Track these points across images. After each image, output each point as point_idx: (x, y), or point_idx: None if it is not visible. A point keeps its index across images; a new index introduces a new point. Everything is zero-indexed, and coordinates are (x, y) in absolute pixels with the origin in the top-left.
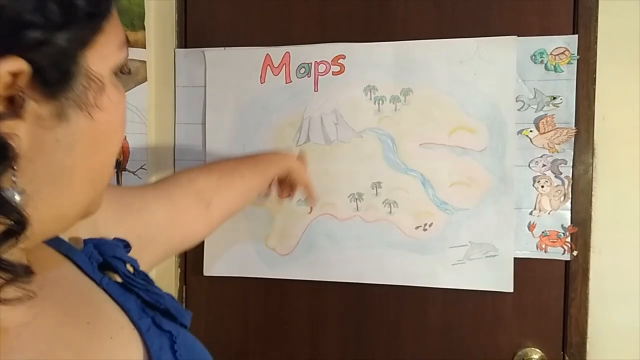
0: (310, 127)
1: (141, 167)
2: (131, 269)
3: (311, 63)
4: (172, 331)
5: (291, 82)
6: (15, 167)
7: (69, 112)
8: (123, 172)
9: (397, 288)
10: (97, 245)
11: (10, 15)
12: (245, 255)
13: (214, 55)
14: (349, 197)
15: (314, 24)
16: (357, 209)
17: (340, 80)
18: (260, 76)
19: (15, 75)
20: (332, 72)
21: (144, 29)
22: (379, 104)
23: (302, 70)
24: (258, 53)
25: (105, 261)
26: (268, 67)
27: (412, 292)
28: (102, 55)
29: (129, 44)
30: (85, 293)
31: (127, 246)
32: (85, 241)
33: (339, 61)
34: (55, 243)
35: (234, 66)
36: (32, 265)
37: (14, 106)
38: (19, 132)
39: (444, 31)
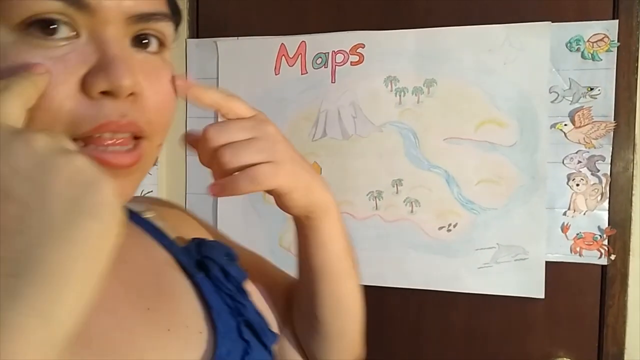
0: (327, 120)
1: None
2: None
3: (328, 53)
4: (251, 342)
5: (307, 73)
6: None
7: None
8: None
9: (418, 292)
10: (198, 244)
11: None
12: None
13: (227, 45)
14: (367, 195)
15: (331, 11)
16: (377, 208)
17: (359, 71)
18: (275, 67)
19: None
20: (351, 62)
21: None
22: (400, 95)
23: (319, 61)
24: (272, 43)
25: (200, 260)
26: (283, 57)
27: (435, 296)
28: None
29: None
30: (163, 282)
31: (230, 255)
32: (192, 239)
33: (357, 50)
34: (158, 236)
35: (247, 57)
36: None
37: None
38: None
39: (471, 17)
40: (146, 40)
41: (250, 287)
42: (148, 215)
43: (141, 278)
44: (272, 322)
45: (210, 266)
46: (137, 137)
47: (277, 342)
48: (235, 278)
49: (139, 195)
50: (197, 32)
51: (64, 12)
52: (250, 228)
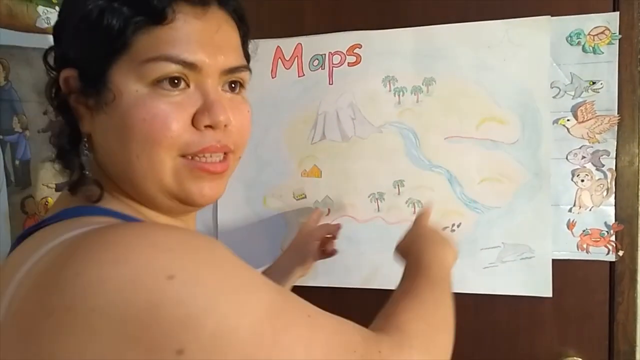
0: (325, 123)
1: None
2: None
3: (325, 54)
4: None
5: (304, 75)
6: (85, 141)
7: (100, 108)
8: None
9: None
10: None
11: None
12: (261, 260)
13: None
14: (369, 197)
15: (327, 12)
16: (378, 210)
17: (357, 72)
18: (271, 70)
19: (75, 78)
20: (348, 63)
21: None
22: (399, 95)
23: (316, 62)
24: (268, 45)
25: None
26: (279, 60)
27: None
28: (124, 70)
29: (178, 58)
30: None
31: None
32: None
33: (354, 51)
34: None
35: None
36: None
37: (82, 99)
38: (86, 117)
39: (469, 13)
40: (233, 85)
41: None
42: None
43: None
44: None
45: None
46: (225, 154)
47: None
48: None
49: None
50: None
51: (181, 72)
52: (252, 233)
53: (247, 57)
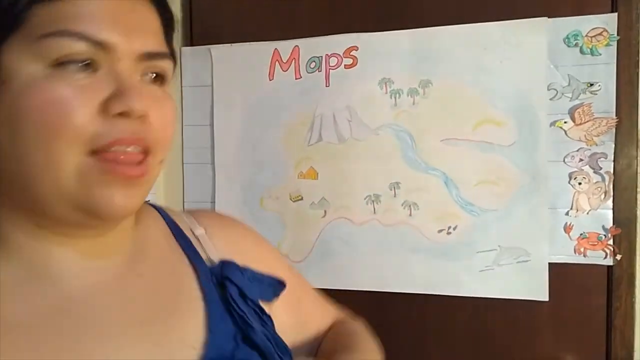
0: (322, 125)
1: None
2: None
3: (322, 56)
4: None
5: (301, 77)
6: None
7: None
8: None
9: (419, 297)
10: (222, 265)
11: None
12: None
13: (220, 52)
14: (365, 199)
15: (324, 14)
16: (374, 212)
17: (353, 74)
18: (269, 73)
19: None
20: (344, 65)
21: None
22: (395, 97)
23: (313, 65)
24: (266, 48)
25: (222, 279)
26: (277, 62)
27: (437, 300)
28: (17, 46)
29: (82, 34)
30: (175, 299)
31: (255, 277)
32: (220, 261)
33: (351, 53)
34: (192, 254)
35: (241, 63)
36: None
37: None
38: None
39: (466, 15)
40: (152, 75)
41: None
42: (197, 232)
43: (151, 293)
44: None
45: (228, 287)
46: (143, 154)
47: None
48: (253, 301)
49: (199, 209)
50: (191, 39)
51: (87, 51)
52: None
53: (172, 53)
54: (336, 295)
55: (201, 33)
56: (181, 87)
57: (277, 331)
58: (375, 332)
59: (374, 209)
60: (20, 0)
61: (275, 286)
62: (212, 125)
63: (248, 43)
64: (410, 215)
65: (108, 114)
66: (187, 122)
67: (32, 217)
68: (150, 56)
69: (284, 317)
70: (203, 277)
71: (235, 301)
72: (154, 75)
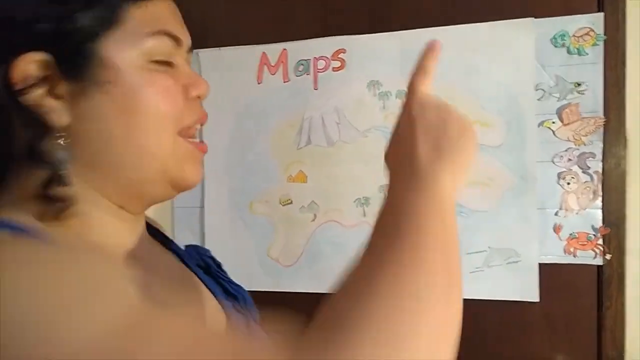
0: (311, 128)
1: None
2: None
3: (310, 59)
4: (247, 315)
5: (289, 80)
6: (61, 135)
7: (91, 90)
8: None
9: None
10: (193, 248)
11: (21, 14)
12: (247, 267)
13: (208, 56)
14: (354, 202)
15: (312, 16)
16: (364, 215)
17: (342, 77)
18: (257, 76)
19: (42, 63)
20: (333, 67)
21: None
22: (384, 100)
23: (301, 68)
24: (254, 52)
25: (202, 259)
26: (265, 66)
27: None
28: (119, 44)
29: (172, 34)
30: (186, 277)
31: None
32: (186, 246)
33: (339, 56)
34: (170, 245)
35: (229, 67)
36: (144, 253)
37: (50, 88)
38: (59, 108)
39: (453, 17)
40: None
41: None
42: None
43: (174, 267)
44: None
45: (209, 263)
46: None
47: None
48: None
49: None
50: None
51: (172, 47)
52: (238, 239)
53: None
54: (325, 300)
55: (190, 36)
56: None
57: None
58: None
59: (364, 211)
60: (119, 0)
61: None
62: (201, 129)
63: (236, 47)
64: None
65: (190, 97)
66: None
67: (118, 199)
68: (191, 49)
69: None
70: (187, 260)
71: (218, 272)
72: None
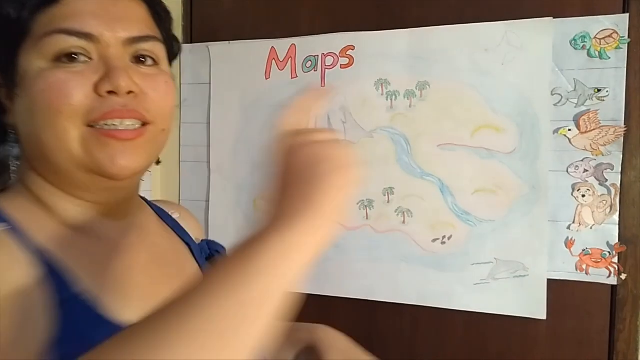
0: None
1: None
2: None
3: (318, 55)
4: None
5: (297, 77)
6: (12, 131)
7: (17, 95)
8: None
9: (411, 308)
10: (207, 242)
11: None
12: None
13: (219, 50)
14: (358, 203)
15: (322, 12)
16: (367, 218)
17: (349, 74)
18: (266, 71)
19: None
20: (341, 64)
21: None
22: (391, 99)
23: (309, 64)
24: (263, 46)
25: (210, 254)
26: (273, 61)
27: (428, 313)
28: (29, 51)
29: (71, 30)
30: (180, 263)
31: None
32: (202, 240)
33: (347, 52)
34: (181, 232)
35: (238, 61)
36: (110, 233)
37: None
38: (8, 109)
39: (466, 15)
40: (142, 59)
41: None
42: (175, 216)
43: (166, 256)
44: None
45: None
46: (142, 126)
47: None
48: None
49: (170, 201)
50: (191, 37)
51: (78, 45)
52: (241, 235)
53: (172, 38)
54: (326, 302)
55: (200, 30)
56: (180, 84)
57: None
58: (364, 342)
59: (367, 214)
60: (24, 12)
61: None
62: (208, 123)
63: (246, 41)
64: (403, 222)
65: (100, 92)
66: (185, 119)
67: (60, 185)
68: (136, 40)
69: None
70: (195, 252)
71: None
72: (146, 58)
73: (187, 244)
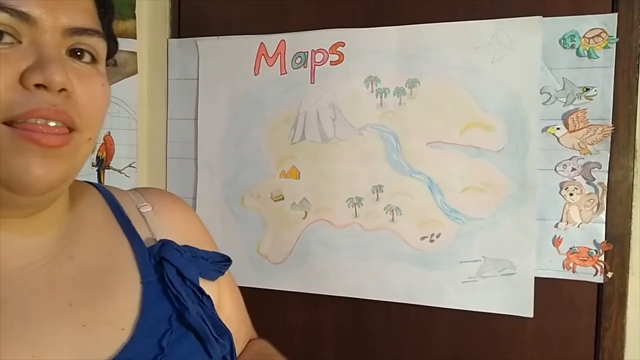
0: (305, 123)
1: (130, 165)
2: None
3: (307, 52)
4: (176, 348)
5: (286, 73)
6: None
7: None
8: (106, 170)
9: (399, 305)
10: (161, 245)
11: None
12: (236, 262)
13: (207, 45)
14: (347, 201)
15: (312, 8)
16: (356, 215)
17: (339, 71)
18: (254, 67)
19: None
20: (330, 61)
21: (134, 17)
22: (381, 97)
23: (298, 60)
24: (252, 42)
25: (160, 260)
26: (262, 56)
27: (417, 311)
28: None
29: (4, 4)
30: (106, 280)
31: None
32: (159, 240)
33: (337, 49)
34: (131, 233)
35: (227, 57)
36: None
37: None
38: None
39: (457, 12)
40: (79, 53)
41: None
42: (144, 209)
43: (81, 274)
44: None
45: (165, 267)
46: (68, 130)
47: (225, 352)
48: (191, 281)
49: (149, 187)
50: (178, 31)
51: (8, 23)
52: (228, 234)
53: (112, 36)
54: (315, 299)
55: (188, 25)
56: (167, 79)
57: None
58: (351, 340)
59: (356, 212)
60: None
61: (221, 264)
62: (196, 119)
63: (235, 36)
64: (392, 220)
65: (27, 85)
66: (172, 115)
67: None
68: (77, 32)
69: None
70: (141, 258)
71: (171, 281)
72: (84, 53)
73: (134, 247)
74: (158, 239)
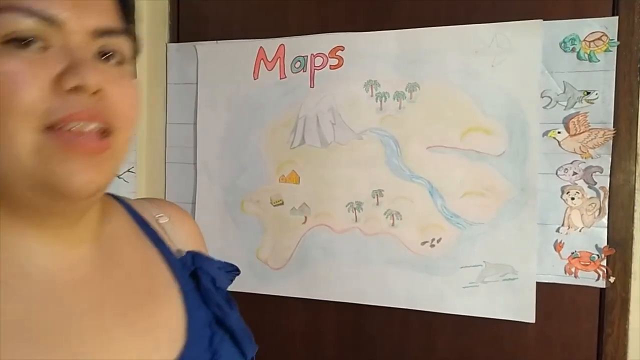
0: (305, 127)
1: (128, 170)
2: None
3: (307, 56)
4: (221, 351)
5: (286, 77)
6: None
7: None
8: None
9: (400, 311)
10: (193, 256)
11: None
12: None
13: (206, 49)
14: (347, 206)
15: (311, 12)
16: (356, 220)
17: (338, 75)
18: (254, 71)
19: None
20: (330, 65)
21: (133, 22)
22: (381, 101)
23: (298, 65)
24: (251, 46)
25: (194, 270)
26: (262, 61)
27: (417, 316)
28: None
29: (32, 9)
30: (152, 289)
31: (223, 267)
32: (187, 252)
33: (337, 53)
34: (161, 246)
35: (226, 61)
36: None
37: None
38: None
39: (457, 16)
40: (107, 55)
41: None
42: (162, 220)
43: (131, 283)
44: None
45: (202, 277)
46: (104, 134)
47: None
48: (222, 289)
49: (158, 198)
50: (177, 36)
51: (36, 28)
52: (228, 240)
53: (132, 33)
54: (315, 305)
55: (188, 29)
56: (166, 84)
57: None
58: (352, 345)
59: (356, 217)
60: None
61: (232, 273)
62: (195, 124)
63: (234, 40)
64: (392, 225)
65: (61, 89)
66: (171, 120)
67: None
68: (104, 33)
69: None
70: (175, 267)
71: (209, 290)
72: (112, 55)
73: (165, 257)
74: (176, 249)
